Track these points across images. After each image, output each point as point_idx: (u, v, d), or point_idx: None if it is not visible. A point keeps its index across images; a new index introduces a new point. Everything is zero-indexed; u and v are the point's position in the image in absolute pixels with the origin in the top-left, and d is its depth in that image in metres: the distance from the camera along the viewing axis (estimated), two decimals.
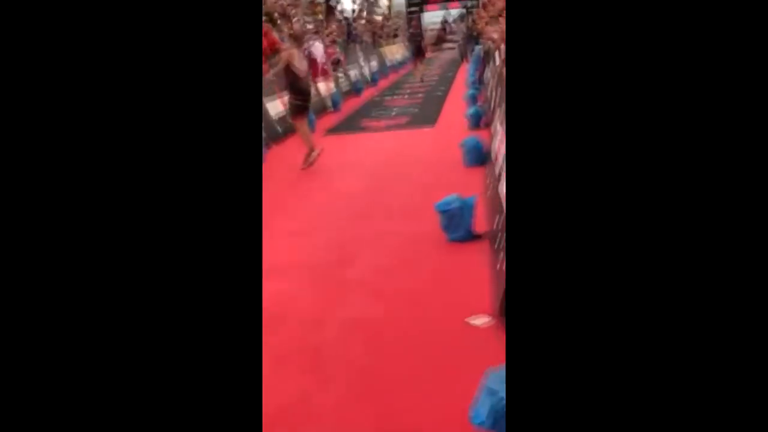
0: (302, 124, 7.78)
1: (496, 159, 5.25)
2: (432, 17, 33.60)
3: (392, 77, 20.94)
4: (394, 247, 4.74)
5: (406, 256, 4.51)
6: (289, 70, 7.51)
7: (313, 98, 11.70)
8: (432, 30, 31.93)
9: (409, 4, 32.53)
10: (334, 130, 10.82)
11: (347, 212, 5.77)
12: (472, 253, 4.30)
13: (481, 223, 4.68)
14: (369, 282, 4.14)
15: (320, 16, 16.99)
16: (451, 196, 4.66)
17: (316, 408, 2.82)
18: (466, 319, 3.37)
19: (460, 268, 4.14)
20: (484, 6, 9.37)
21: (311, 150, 7.69)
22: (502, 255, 3.63)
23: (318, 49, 12.85)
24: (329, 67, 13.88)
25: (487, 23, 9.79)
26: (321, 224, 5.47)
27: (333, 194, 6.42)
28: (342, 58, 15.73)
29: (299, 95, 7.67)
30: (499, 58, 7.72)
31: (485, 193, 5.40)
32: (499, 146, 5.28)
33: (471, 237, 4.58)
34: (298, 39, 8.94)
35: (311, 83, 10.07)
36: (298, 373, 3.12)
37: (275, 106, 10.39)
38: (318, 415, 2.77)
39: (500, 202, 4.28)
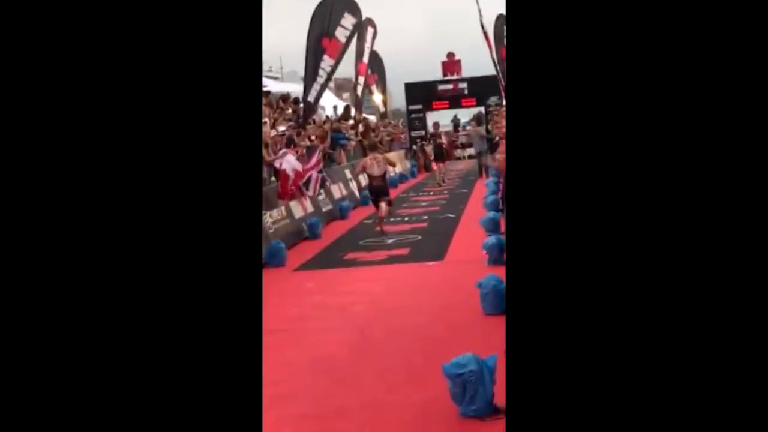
0: None
1: None
2: (438, 117, 34.51)
3: (380, 211, 21.26)
4: (388, 422, 4.73)
5: None
6: None
7: (284, 222, 11.90)
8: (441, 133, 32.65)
9: (414, 100, 33.38)
10: (311, 264, 10.95)
11: (327, 376, 5.73)
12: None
13: (503, 393, 4.66)
14: None
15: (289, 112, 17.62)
16: (465, 356, 4.67)
17: None
18: None
19: None
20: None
21: None
22: None
23: (289, 161, 13.02)
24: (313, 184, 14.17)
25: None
26: (293, 390, 5.43)
27: (309, 351, 6.40)
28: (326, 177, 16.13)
29: None
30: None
31: None
32: None
33: (491, 411, 4.58)
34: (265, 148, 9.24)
35: (281, 203, 10.27)
36: None
37: None
38: None
39: None
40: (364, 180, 17.33)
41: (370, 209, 17.14)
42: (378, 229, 13.14)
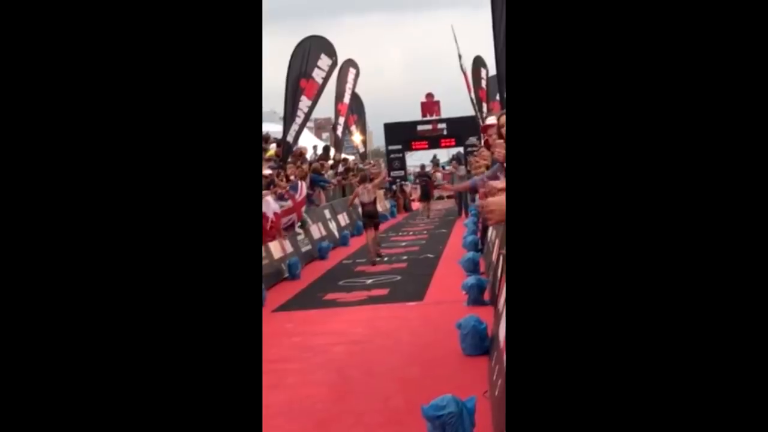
0: None
1: (504, 347, 5.32)
2: (417, 160, 34.70)
3: (368, 236, 21.30)
4: None
5: None
6: None
7: (265, 262, 11.91)
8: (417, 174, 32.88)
9: (393, 140, 33.57)
10: (290, 305, 10.94)
11: (306, 419, 5.70)
12: None
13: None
14: None
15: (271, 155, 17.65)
16: (444, 398, 4.67)
17: None
18: None
19: None
20: (487, 145, 9.77)
21: None
22: None
23: (268, 204, 13.05)
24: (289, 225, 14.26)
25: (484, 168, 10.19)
26: None
27: (288, 393, 6.35)
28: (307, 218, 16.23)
29: None
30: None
31: (491, 393, 5.42)
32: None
33: None
34: None
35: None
36: None
37: None
38: None
39: None
40: (351, 217, 17.79)
41: (350, 249, 17.24)
42: (371, 252, 14.87)
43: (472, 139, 29.72)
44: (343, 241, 18.67)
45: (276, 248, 13.50)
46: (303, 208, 15.54)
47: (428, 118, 33.54)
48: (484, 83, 25.33)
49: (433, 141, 33.50)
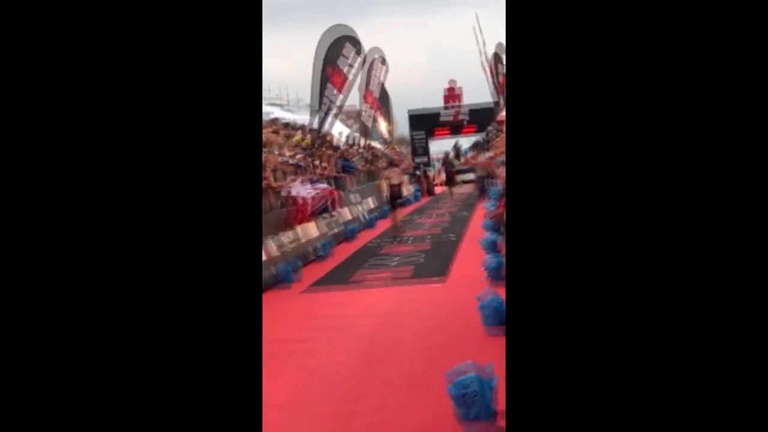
0: None
1: None
2: (441, 146, 34.65)
3: (393, 218, 21.30)
4: (394, 430, 4.66)
5: None
6: None
7: (296, 244, 11.94)
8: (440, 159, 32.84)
9: (417, 127, 33.58)
10: (320, 283, 10.94)
11: (331, 394, 5.68)
12: None
13: (503, 402, 4.64)
14: None
15: (301, 143, 17.67)
16: (468, 376, 4.65)
17: None
18: None
19: None
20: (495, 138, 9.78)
21: None
22: None
23: (303, 189, 13.22)
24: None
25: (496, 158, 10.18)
26: (302, 400, 5.41)
27: (316, 369, 6.34)
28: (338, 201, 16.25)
29: None
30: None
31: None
32: None
33: (490, 420, 4.52)
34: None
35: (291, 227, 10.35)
36: None
37: None
38: None
39: None
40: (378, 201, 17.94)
41: (376, 231, 17.22)
42: (395, 231, 15.85)
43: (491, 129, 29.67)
44: (370, 224, 18.68)
45: (309, 230, 13.54)
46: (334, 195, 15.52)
47: (450, 106, 33.43)
48: (501, 78, 25.20)
49: (455, 128, 33.50)
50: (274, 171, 13.10)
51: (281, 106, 22.14)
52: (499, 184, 7.37)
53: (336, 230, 15.65)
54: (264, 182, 12.04)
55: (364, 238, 16.37)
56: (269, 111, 19.17)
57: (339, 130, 27.39)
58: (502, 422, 4.50)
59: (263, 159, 12.48)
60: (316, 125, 18.70)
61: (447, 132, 33.76)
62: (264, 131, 15.36)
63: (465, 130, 33.36)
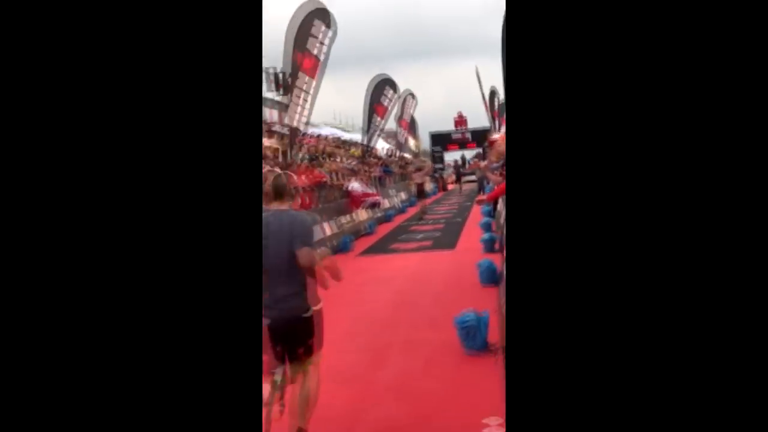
0: None
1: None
2: (452, 156, 34.58)
3: (419, 206, 21.35)
4: (418, 353, 4.74)
5: (429, 363, 4.51)
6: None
7: (351, 224, 12.06)
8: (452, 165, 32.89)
9: (436, 144, 33.61)
10: (368, 251, 10.98)
11: (372, 323, 5.80)
12: (486, 365, 4.30)
13: (494, 335, 4.70)
14: (396, 386, 4.14)
15: (355, 154, 17.86)
16: (468, 313, 4.70)
17: None
18: (483, 420, 3.37)
19: (475, 376, 4.13)
20: (491, 145, 9.64)
21: None
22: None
23: (355, 186, 13.56)
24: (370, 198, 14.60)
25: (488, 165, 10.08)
26: (354, 331, 5.51)
27: (365, 308, 6.45)
28: (377, 201, 16.30)
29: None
30: (500, 204, 7.97)
31: (498, 310, 5.42)
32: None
33: (485, 349, 4.57)
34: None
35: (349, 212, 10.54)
36: None
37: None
38: None
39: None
40: (408, 194, 18.10)
41: (406, 215, 17.24)
42: (421, 215, 15.81)
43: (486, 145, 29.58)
44: (402, 210, 18.70)
45: (360, 214, 13.66)
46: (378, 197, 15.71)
47: (458, 129, 33.29)
48: (496, 106, 25.09)
49: (462, 144, 33.34)
50: (336, 173, 13.25)
51: (342, 129, 22.25)
52: (492, 183, 7.39)
53: (379, 214, 15.68)
54: (326, 180, 12.20)
55: (398, 220, 16.34)
56: (333, 132, 19.26)
57: (381, 146, 27.44)
58: (492, 351, 4.57)
59: (332, 166, 12.61)
60: (365, 142, 18.76)
61: (456, 147, 33.61)
62: (329, 146, 15.51)
63: (469, 145, 33.21)
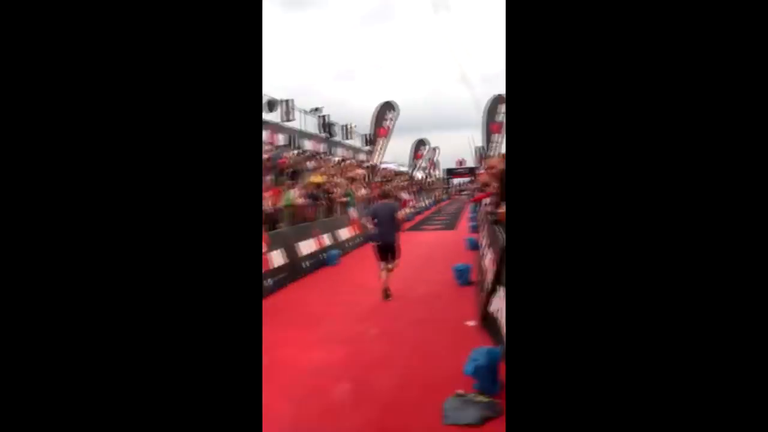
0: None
1: (483, 248, 5.13)
2: (456, 180, 34.31)
3: (436, 207, 21.19)
4: (432, 283, 4.68)
5: (437, 289, 4.46)
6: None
7: (402, 214, 12.30)
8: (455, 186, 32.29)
9: (448, 174, 33.47)
10: (410, 229, 10.84)
11: (414, 263, 5.70)
12: (469, 292, 4.23)
13: (474, 275, 4.60)
14: (418, 300, 4.13)
15: (404, 179, 17.68)
16: (460, 264, 4.65)
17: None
18: (465, 322, 3.35)
19: (463, 298, 4.06)
20: (477, 176, 9.34)
21: None
22: (482, 294, 3.56)
23: (404, 195, 13.77)
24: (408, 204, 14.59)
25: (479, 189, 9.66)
26: (401, 268, 4.55)
27: (409, 255, 5.88)
28: (415, 204, 15.93)
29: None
30: (481, 205, 7.68)
31: (476, 262, 5.32)
32: (483, 240, 5.20)
33: (469, 283, 4.48)
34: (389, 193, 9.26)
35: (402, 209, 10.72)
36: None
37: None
38: None
39: (482, 269, 4.22)
40: (432, 199, 18.04)
41: (431, 210, 17.02)
42: (438, 212, 15.01)
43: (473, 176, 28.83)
44: (428, 208, 18.35)
45: (405, 210, 13.70)
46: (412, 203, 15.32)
47: (459, 167, 32.99)
48: (480, 155, 24.42)
49: (461, 175, 32.96)
50: (394, 188, 13.26)
51: (398, 165, 21.54)
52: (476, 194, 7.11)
53: (415, 210, 15.63)
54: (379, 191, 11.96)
55: (426, 213, 16.17)
56: (393, 166, 18.65)
57: (419, 174, 27.25)
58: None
59: (391, 184, 12.40)
60: (410, 173, 18.67)
61: (458, 176, 33.57)
62: (391, 174, 15.28)
63: (465, 175, 32.92)
